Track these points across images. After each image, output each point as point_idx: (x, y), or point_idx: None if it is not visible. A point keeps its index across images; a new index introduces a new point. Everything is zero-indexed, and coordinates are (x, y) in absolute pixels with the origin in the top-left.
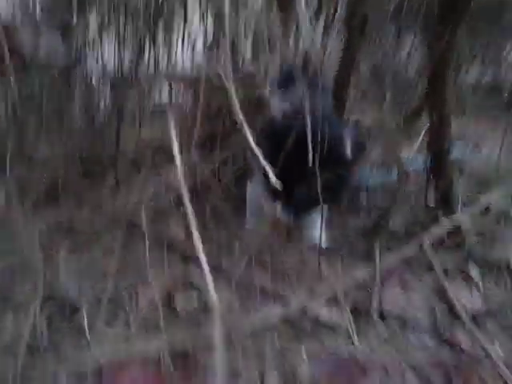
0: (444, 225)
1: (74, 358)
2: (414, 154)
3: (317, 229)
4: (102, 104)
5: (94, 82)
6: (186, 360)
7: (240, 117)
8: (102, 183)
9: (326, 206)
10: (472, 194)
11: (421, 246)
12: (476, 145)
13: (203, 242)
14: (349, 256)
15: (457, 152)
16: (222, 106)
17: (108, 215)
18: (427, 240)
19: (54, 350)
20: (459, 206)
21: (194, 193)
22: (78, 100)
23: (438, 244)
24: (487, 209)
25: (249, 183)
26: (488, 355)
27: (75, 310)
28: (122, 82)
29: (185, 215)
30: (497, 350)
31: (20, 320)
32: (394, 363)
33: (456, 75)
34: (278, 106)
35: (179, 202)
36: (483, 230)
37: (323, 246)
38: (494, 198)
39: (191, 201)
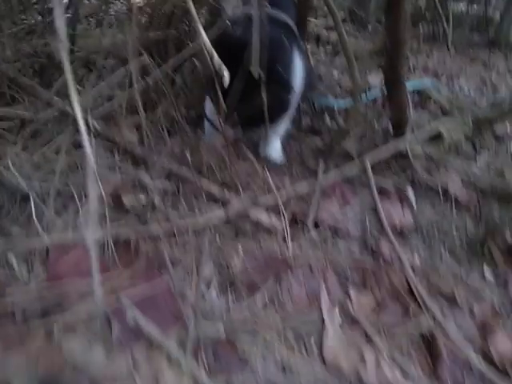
0: (389, 147)
1: (22, 242)
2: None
3: (270, 147)
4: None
5: None
6: (128, 248)
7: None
8: (54, 83)
9: (285, 128)
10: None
11: (363, 165)
12: (450, 79)
13: (156, 148)
14: (298, 173)
15: (426, 85)
16: (177, 11)
17: (60, 113)
18: (368, 160)
19: (3, 234)
20: (409, 133)
21: (148, 100)
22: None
23: (385, 167)
24: (440, 137)
25: (206, 98)
26: (401, 261)
27: (25, 200)
28: None
29: (138, 122)
30: (410, 258)
31: None
32: (319, 263)
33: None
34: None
35: (132, 109)
36: (432, 157)
37: (277, 162)
38: (444, 126)
39: (144, 108)
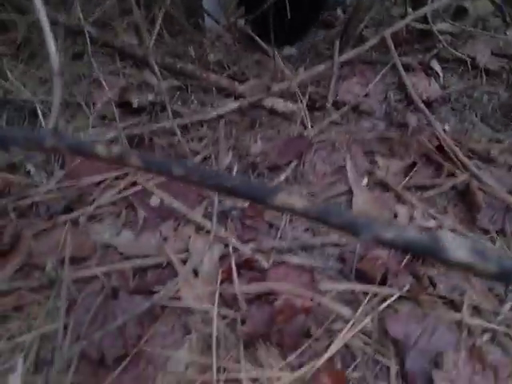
0: (407, 19)
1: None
2: None
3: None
4: None
5: None
6: (142, 143)
7: None
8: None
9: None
10: None
11: (383, 41)
12: None
13: (157, 47)
14: (313, 61)
15: None
16: None
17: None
18: (388, 34)
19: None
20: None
21: None
22: None
23: (408, 46)
24: (464, 11)
25: None
26: (431, 126)
27: (33, 114)
28: None
29: (134, 22)
30: (441, 126)
31: None
32: (343, 140)
33: None
34: None
35: (125, 9)
36: (458, 32)
37: (289, 52)
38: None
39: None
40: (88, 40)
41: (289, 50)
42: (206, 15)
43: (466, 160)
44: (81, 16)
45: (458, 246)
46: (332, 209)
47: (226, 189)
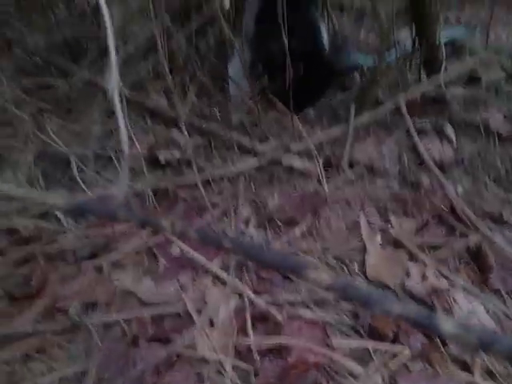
0: (423, 85)
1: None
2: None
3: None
4: None
5: None
6: (167, 196)
7: None
8: (85, 61)
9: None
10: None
11: (397, 108)
12: (485, 29)
13: (185, 109)
14: (330, 122)
15: (459, 34)
16: None
17: (91, 86)
18: (403, 100)
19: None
20: (442, 73)
21: (174, 65)
22: None
23: (421, 111)
24: (477, 79)
25: (230, 60)
26: (443, 188)
27: (67, 164)
28: None
29: (165, 85)
30: (453, 188)
31: (18, 173)
32: (357, 198)
33: None
34: None
35: (158, 74)
36: (470, 98)
37: (307, 114)
38: (480, 66)
39: (170, 72)
40: (124, 100)
41: (307, 111)
42: (230, 81)
43: (477, 221)
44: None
45: (446, 321)
46: (349, 284)
47: (266, 263)
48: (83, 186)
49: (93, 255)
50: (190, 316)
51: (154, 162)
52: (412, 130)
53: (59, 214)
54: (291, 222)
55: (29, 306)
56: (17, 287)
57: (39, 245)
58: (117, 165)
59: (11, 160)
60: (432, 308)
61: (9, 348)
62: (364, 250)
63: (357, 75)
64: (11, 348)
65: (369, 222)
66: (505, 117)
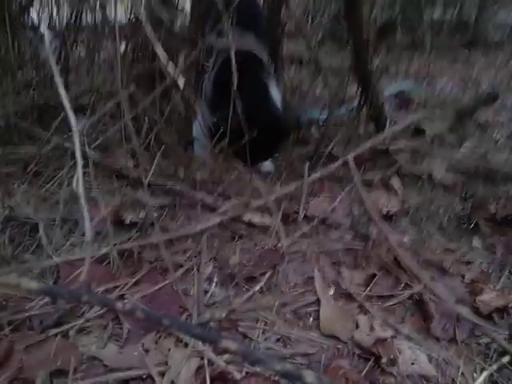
0: (369, 142)
1: (36, 265)
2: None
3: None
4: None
5: (39, 33)
6: (132, 258)
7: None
8: (52, 125)
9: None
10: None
11: (345, 162)
12: (432, 80)
13: (151, 170)
14: (288, 178)
15: (407, 86)
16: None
17: (58, 150)
18: (351, 156)
19: (16, 260)
20: (387, 127)
21: (139, 128)
22: (24, 51)
23: (371, 164)
24: (422, 131)
25: (194, 121)
26: (388, 240)
27: (35, 229)
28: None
29: (132, 148)
30: (399, 238)
31: None
32: (312, 251)
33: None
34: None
35: (126, 137)
36: (417, 150)
37: (267, 171)
38: (424, 120)
39: (137, 134)
40: (90, 163)
41: (267, 167)
42: (194, 142)
43: (419, 271)
44: (85, 142)
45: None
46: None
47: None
48: (49, 252)
49: (59, 323)
50: (152, 379)
51: (119, 224)
52: (358, 184)
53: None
54: (251, 278)
55: None
56: None
57: (5, 314)
58: (83, 229)
59: None
60: (378, 358)
61: None
62: (318, 303)
63: (314, 130)
64: None
65: (323, 276)
66: (447, 167)
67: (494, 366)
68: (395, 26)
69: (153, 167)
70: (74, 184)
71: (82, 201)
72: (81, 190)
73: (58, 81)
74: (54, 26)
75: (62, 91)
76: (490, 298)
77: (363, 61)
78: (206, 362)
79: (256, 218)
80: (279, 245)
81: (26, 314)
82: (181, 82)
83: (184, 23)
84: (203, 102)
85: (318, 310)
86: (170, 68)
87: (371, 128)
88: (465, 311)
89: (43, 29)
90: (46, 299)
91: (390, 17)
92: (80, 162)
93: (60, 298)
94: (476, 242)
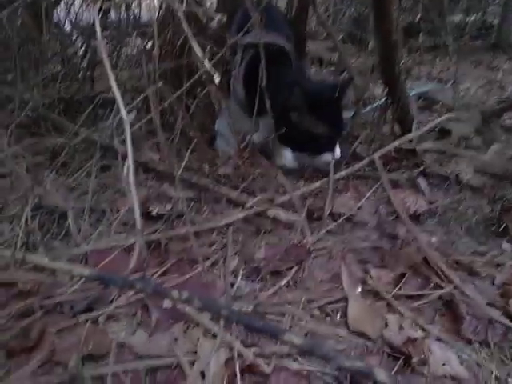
0: (396, 143)
1: (65, 252)
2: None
3: (284, 156)
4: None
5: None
6: (159, 249)
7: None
8: (79, 118)
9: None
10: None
11: (372, 161)
12: (454, 83)
13: (176, 164)
14: (312, 174)
15: (431, 88)
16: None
17: (85, 142)
18: (377, 156)
19: (46, 246)
20: (414, 128)
21: (166, 123)
22: (52, 45)
23: (397, 164)
24: (448, 132)
25: (218, 117)
26: (417, 240)
27: (63, 217)
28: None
29: (157, 142)
30: (428, 239)
31: (15, 225)
32: (338, 248)
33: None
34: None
35: (151, 131)
36: (442, 151)
37: (291, 166)
38: (451, 122)
39: (163, 130)
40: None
41: (291, 164)
42: (218, 137)
43: (450, 272)
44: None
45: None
46: (316, 344)
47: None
48: (78, 240)
49: (89, 308)
50: (181, 368)
51: (146, 216)
52: (386, 184)
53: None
54: (277, 273)
55: (26, 359)
56: (15, 340)
57: (37, 298)
58: (110, 218)
59: (8, 213)
60: (408, 357)
61: None
62: (346, 301)
63: None
64: None
65: (349, 274)
66: (475, 170)
67: None
68: (418, 29)
69: (184, 162)
70: (124, 174)
71: (133, 190)
72: (131, 180)
73: (110, 75)
74: (78, 23)
75: (113, 84)
76: None
77: (391, 62)
78: (235, 353)
79: (281, 214)
80: (304, 241)
81: (58, 300)
82: (216, 76)
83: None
84: (232, 98)
85: (346, 307)
86: (206, 62)
87: (396, 128)
88: (497, 314)
89: (68, 25)
90: (77, 286)
91: (413, 19)
92: (131, 153)
93: (113, 284)
94: (505, 245)
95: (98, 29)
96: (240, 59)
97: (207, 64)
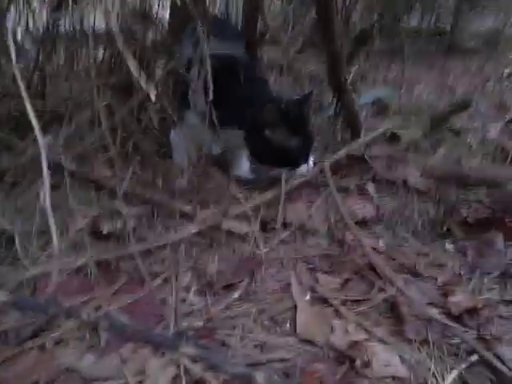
0: (344, 150)
1: (12, 276)
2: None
3: (240, 166)
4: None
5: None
6: (109, 269)
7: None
8: (28, 136)
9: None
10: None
11: (321, 169)
12: (409, 87)
13: (129, 179)
14: (267, 186)
15: (383, 94)
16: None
17: (35, 161)
18: (326, 164)
19: None
20: (362, 134)
21: (117, 138)
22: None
23: (348, 170)
24: (397, 137)
25: (172, 130)
26: (362, 244)
27: (10, 242)
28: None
29: (108, 157)
30: (374, 243)
31: None
32: (290, 257)
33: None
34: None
35: (102, 146)
36: (392, 156)
37: (247, 178)
38: (399, 127)
39: (113, 143)
40: (66, 173)
41: (248, 175)
42: (172, 151)
43: (393, 275)
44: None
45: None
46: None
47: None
48: (26, 264)
49: (35, 335)
50: None
51: (97, 234)
52: (334, 191)
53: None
54: (230, 286)
55: None
56: None
57: None
58: (58, 239)
59: None
60: (353, 361)
61: None
62: (295, 308)
63: None
64: None
65: (300, 282)
66: (421, 172)
67: (463, 365)
68: (373, 34)
69: (128, 176)
70: (41, 198)
71: (50, 215)
72: (48, 204)
73: (25, 96)
74: (31, 33)
75: (28, 106)
76: (460, 299)
77: (337, 70)
78: (182, 370)
79: (235, 227)
80: (257, 252)
81: (1, 328)
82: (152, 95)
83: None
84: (191, 111)
85: (295, 316)
86: (143, 80)
87: (346, 135)
88: (436, 313)
89: (20, 38)
90: (22, 311)
91: (367, 24)
92: (47, 177)
93: (27, 309)
94: (448, 246)
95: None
96: (197, 71)
97: (143, 81)
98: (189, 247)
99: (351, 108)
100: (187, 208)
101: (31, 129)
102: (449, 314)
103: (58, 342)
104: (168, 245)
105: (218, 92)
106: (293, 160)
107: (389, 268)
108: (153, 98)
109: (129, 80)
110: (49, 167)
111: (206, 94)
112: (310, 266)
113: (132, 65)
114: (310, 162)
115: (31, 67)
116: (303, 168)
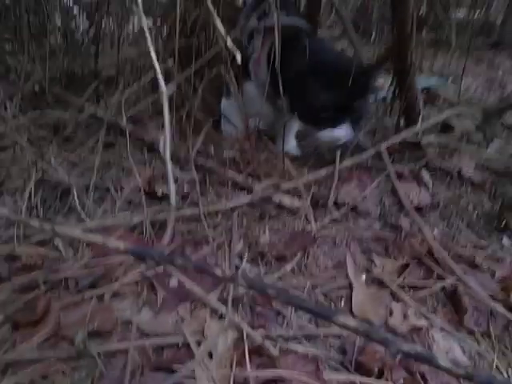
0: (402, 135)
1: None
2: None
3: (287, 143)
4: (80, 25)
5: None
6: (162, 229)
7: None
8: (82, 93)
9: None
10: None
11: (378, 152)
12: (456, 79)
13: (181, 145)
14: (316, 164)
15: (435, 82)
16: (198, 20)
17: (91, 118)
18: (384, 147)
19: (50, 221)
20: (420, 122)
21: (172, 103)
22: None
23: (400, 156)
24: (451, 127)
25: (224, 98)
26: (422, 231)
27: (66, 193)
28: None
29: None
30: (430, 231)
31: (18, 199)
32: (342, 236)
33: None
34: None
35: (157, 111)
36: (445, 145)
37: (294, 153)
38: (453, 116)
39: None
40: (127, 133)
41: (294, 151)
42: (223, 119)
43: (453, 264)
44: (123, 112)
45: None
46: (371, 328)
47: (306, 309)
48: (83, 217)
49: (94, 285)
50: (188, 347)
51: (151, 194)
52: (393, 175)
53: (58, 242)
54: (282, 258)
55: (32, 332)
56: (20, 313)
57: (41, 273)
58: (115, 196)
59: (11, 185)
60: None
61: (13, 375)
62: (350, 287)
63: None
64: (15, 375)
65: (354, 261)
66: (476, 164)
67: None
68: (422, 24)
69: (191, 145)
70: (161, 148)
71: (169, 167)
72: (168, 156)
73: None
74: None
75: (153, 55)
76: None
77: (404, 53)
78: (244, 335)
79: (286, 200)
80: (309, 227)
81: (62, 275)
82: (238, 56)
83: None
84: (251, 82)
85: (350, 294)
86: (229, 41)
87: (400, 121)
88: (498, 306)
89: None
90: (82, 261)
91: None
92: (168, 126)
93: (151, 259)
94: (506, 241)
95: None
96: (260, 43)
97: (229, 42)
98: (240, 216)
99: (412, 93)
100: (239, 178)
101: (82, 86)
102: (508, 305)
103: (115, 295)
104: (220, 212)
105: (282, 63)
106: (333, 118)
107: (448, 256)
108: (238, 59)
109: (188, 46)
110: (102, 124)
111: (269, 64)
112: (364, 247)
113: (219, 24)
114: (351, 130)
115: (84, 29)
116: (341, 131)
